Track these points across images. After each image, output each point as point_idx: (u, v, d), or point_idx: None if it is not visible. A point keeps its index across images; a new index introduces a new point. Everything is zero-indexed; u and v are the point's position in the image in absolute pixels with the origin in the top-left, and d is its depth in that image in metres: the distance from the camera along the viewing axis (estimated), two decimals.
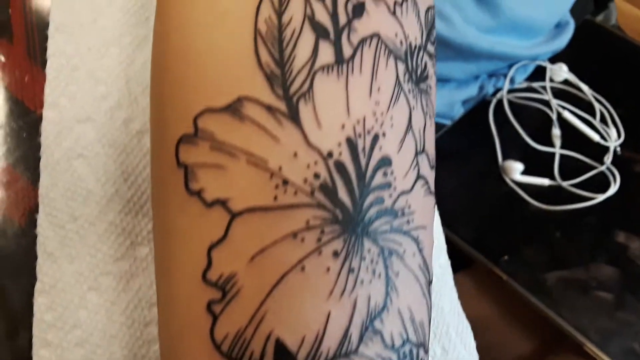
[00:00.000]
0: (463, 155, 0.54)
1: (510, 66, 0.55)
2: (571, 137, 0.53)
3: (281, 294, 0.15)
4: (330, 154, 0.16)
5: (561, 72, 0.58)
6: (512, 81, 0.56)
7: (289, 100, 0.16)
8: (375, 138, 0.17)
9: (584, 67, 0.59)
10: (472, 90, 0.55)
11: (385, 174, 0.17)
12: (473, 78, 0.55)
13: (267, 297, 0.15)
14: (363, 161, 0.16)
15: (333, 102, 0.16)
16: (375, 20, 0.17)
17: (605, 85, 0.58)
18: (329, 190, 0.15)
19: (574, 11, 0.58)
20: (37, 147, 0.21)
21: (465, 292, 0.50)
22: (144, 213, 0.21)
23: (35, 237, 0.20)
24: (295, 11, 0.16)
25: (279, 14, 0.16)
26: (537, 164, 0.52)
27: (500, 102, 0.55)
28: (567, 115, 0.54)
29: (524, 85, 0.58)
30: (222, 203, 0.15)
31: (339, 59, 0.16)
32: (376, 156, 0.16)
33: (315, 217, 0.15)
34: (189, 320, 0.15)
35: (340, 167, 0.16)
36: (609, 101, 0.56)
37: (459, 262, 0.51)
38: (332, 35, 0.16)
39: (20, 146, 0.21)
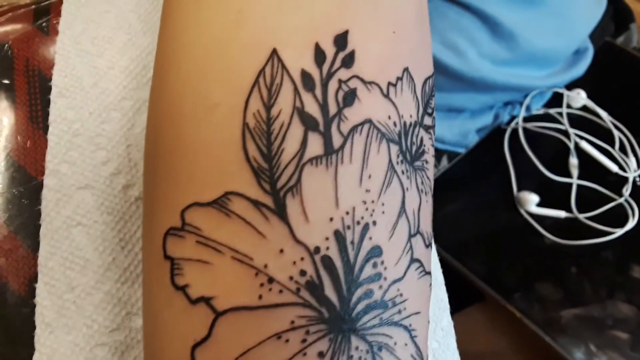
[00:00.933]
0: (477, 184, 0.53)
1: (526, 94, 0.54)
2: (589, 166, 0.52)
3: None
4: (317, 250, 0.15)
5: (579, 98, 0.56)
6: (528, 109, 0.55)
7: (276, 194, 0.15)
8: (365, 228, 0.16)
9: (603, 92, 0.58)
10: (486, 119, 0.54)
11: (375, 265, 0.16)
12: (488, 107, 0.54)
13: None
14: (352, 254, 0.16)
15: (321, 195, 0.16)
16: (367, 106, 0.17)
17: (625, 112, 0.56)
18: (315, 288, 0.15)
19: (593, 35, 0.57)
20: (38, 214, 0.22)
21: (477, 327, 0.49)
22: (140, 283, 0.21)
23: (34, 306, 0.21)
24: (284, 104, 0.16)
25: (268, 107, 0.16)
26: (553, 195, 0.51)
27: (515, 131, 0.54)
28: (584, 144, 0.52)
29: (541, 112, 0.56)
30: (207, 300, 0.15)
31: (329, 150, 0.16)
32: (366, 247, 0.16)
33: (301, 316, 0.15)
34: None
35: (327, 262, 0.16)
36: (628, 129, 0.55)
37: (470, 295, 0.51)
38: (321, 127, 0.16)
39: (22, 213, 0.22)
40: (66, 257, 0.21)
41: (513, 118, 0.56)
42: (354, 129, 0.17)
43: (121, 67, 0.24)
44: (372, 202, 0.17)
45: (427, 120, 0.20)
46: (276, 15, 0.17)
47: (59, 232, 0.21)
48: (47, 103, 0.23)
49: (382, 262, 0.16)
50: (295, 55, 0.16)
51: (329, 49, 0.17)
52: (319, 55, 0.17)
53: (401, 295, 0.17)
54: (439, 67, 0.47)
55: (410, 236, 0.18)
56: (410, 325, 0.17)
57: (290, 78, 0.16)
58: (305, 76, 0.16)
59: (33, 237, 0.21)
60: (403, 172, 0.18)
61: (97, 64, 0.24)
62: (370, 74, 0.17)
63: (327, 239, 0.15)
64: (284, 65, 0.16)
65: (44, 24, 0.25)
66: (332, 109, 0.16)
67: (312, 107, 0.16)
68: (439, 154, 0.53)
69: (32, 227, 0.22)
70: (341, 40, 0.17)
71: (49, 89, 0.23)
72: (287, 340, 0.15)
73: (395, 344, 0.16)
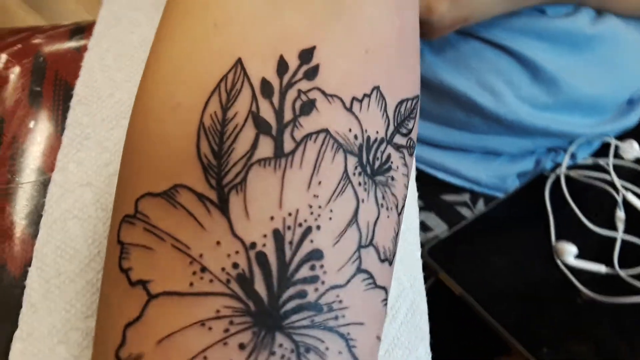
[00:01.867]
0: (513, 231, 0.51)
1: (571, 141, 0.52)
2: (635, 221, 0.49)
3: None
4: (253, 245, 0.16)
5: (631, 150, 0.53)
6: (573, 156, 0.53)
7: (221, 190, 0.16)
8: (308, 231, 0.17)
9: None
10: (527, 165, 0.52)
11: (313, 267, 0.16)
12: (528, 152, 0.52)
13: None
14: (288, 253, 0.16)
15: (265, 194, 0.16)
16: (325, 116, 0.17)
17: None
18: (245, 281, 0.16)
19: None
20: (43, 206, 0.24)
21: None
22: None
23: (24, 287, 0.22)
24: (240, 107, 0.17)
25: (225, 109, 0.17)
26: (593, 248, 0.48)
27: (559, 178, 0.52)
28: (631, 198, 0.49)
29: (588, 161, 0.54)
30: (144, 284, 0.16)
31: (279, 153, 0.17)
32: (305, 249, 0.16)
33: (227, 306, 0.15)
34: None
35: (261, 258, 0.16)
36: None
37: (496, 346, 0.48)
38: (274, 131, 0.17)
39: (30, 204, 0.24)
40: (59, 245, 0.23)
41: (558, 166, 0.53)
42: (308, 136, 0.17)
43: (136, 81, 0.26)
44: (319, 207, 0.17)
45: (399, 140, 0.20)
46: (248, 28, 0.18)
47: (57, 222, 0.23)
48: (67, 109, 0.26)
49: (322, 266, 0.16)
50: (258, 65, 0.17)
51: (293, 62, 0.18)
52: (282, 66, 0.18)
53: (340, 302, 0.17)
54: (474, 108, 0.47)
55: (360, 246, 0.18)
56: (348, 334, 0.17)
57: (250, 85, 0.17)
58: (265, 84, 0.17)
59: (35, 226, 0.24)
60: (360, 184, 0.18)
61: (115, 77, 0.26)
62: (333, 87, 0.18)
63: (264, 236, 0.16)
64: (246, 73, 0.17)
65: (77, 42, 0.28)
66: (288, 116, 0.17)
67: (267, 113, 0.17)
68: (475, 196, 0.52)
69: (36, 216, 0.24)
70: (306, 54, 0.18)
71: (71, 97, 0.26)
72: (210, 328, 0.15)
73: (327, 349, 0.16)
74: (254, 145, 0.17)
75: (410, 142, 0.22)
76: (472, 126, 0.48)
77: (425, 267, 0.47)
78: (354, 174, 0.18)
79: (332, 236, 0.17)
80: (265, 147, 0.17)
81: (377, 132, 0.19)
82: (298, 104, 0.17)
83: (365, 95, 0.19)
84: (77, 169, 0.24)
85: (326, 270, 0.17)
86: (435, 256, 0.47)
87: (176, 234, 0.16)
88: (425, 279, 0.47)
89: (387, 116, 0.20)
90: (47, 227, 0.23)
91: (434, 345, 0.45)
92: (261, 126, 0.17)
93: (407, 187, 0.22)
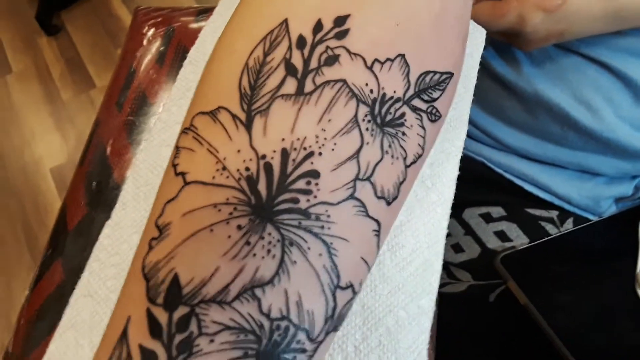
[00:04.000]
0: (596, 256, 0.48)
1: None
2: None
3: (191, 243, 0.20)
4: (264, 157, 0.20)
5: None
6: None
7: (249, 113, 0.21)
8: (310, 154, 0.20)
9: None
10: (625, 189, 0.49)
11: (308, 183, 0.20)
12: (628, 176, 0.49)
13: (181, 243, 0.20)
14: (290, 168, 0.20)
15: (281, 121, 0.21)
16: (345, 70, 0.22)
17: None
18: (251, 181, 0.20)
19: None
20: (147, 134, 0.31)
21: None
22: None
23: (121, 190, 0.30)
24: (277, 54, 0.22)
25: (266, 54, 0.22)
26: None
27: None
28: None
29: None
30: (183, 175, 0.21)
31: (299, 92, 0.21)
32: (305, 167, 0.20)
33: (234, 197, 0.20)
34: (139, 247, 0.22)
35: (267, 167, 0.20)
36: None
37: None
38: (299, 75, 0.21)
39: (139, 132, 0.31)
40: (152, 163, 0.30)
41: None
42: (326, 82, 0.21)
43: None
44: (325, 139, 0.21)
45: (419, 103, 0.24)
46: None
47: (155, 148, 0.30)
48: (180, 67, 0.33)
49: (317, 184, 0.20)
50: (299, 24, 0.22)
51: (328, 24, 0.22)
52: (317, 26, 0.22)
53: (328, 216, 0.20)
54: (568, 121, 0.46)
55: (357, 179, 0.21)
56: (331, 243, 0.20)
57: (289, 38, 0.22)
58: (300, 39, 0.22)
59: (138, 147, 0.31)
60: (367, 130, 0.22)
61: None
62: (357, 48, 0.22)
63: (274, 151, 0.20)
64: (288, 30, 0.22)
65: (200, 19, 0.35)
66: (313, 64, 0.21)
67: (297, 60, 0.21)
68: (564, 214, 0.50)
69: (141, 142, 0.31)
70: (341, 20, 0.22)
71: (185, 58, 0.33)
72: (219, 210, 0.20)
73: (309, 248, 0.20)
74: (281, 84, 0.21)
75: (433, 109, 0.25)
76: (567, 141, 0.47)
77: (496, 275, 0.47)
78: (363, 120, 0.22)
79: (331, 163, 0.21)
80: (290, 86, 0.21)
81: (395, 92, 0.22)
82: (324, 57, 0.22)
83: (388, 59, 0.22)
84: (178, 112, 0.31)
85: (320, 188, 0.20)
86: (507, 264, 0.47)
87: (211, 141, 0.21)
88: (495, 286, 0.47)
89: (409, 81, 0.23)
90: (147, 150, 0.30)
91: (491, 351, 0.45)
92: (290, 70, 0.21)
93: (422, 147, 0.24)
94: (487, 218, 0.50)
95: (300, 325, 0.20)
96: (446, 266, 0.51)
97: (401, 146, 0.23)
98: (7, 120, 1.55)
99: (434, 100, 0.24)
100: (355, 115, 0.21)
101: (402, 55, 0.23)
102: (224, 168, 0.20)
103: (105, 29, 1.73)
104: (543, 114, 0.48)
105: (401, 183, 0.23)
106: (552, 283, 0.46)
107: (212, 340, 0.19)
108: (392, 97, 0.22)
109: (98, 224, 0.29)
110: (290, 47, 0.22)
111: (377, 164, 0.22)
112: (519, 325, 0.46)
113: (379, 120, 0.22)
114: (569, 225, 0.50)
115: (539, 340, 0.45)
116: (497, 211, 0.50)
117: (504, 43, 0.47)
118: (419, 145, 0.24)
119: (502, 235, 0.50)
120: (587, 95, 0.45)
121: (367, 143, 0.22)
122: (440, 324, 0.48)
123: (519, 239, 0.50)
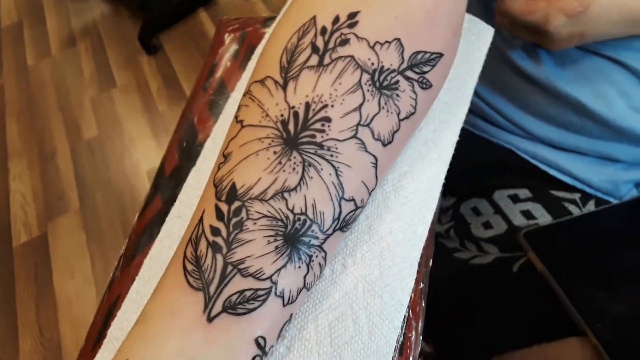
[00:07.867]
0: (614, 235, 0.52)
1: None
2: None
3: (244, 163, 0.25)
4: (293, 107, 0.25)
5: None
6: None
7: (286, 79, 0.26)
8: (325, 106, 0.25)
9: None
10: None
11: (323, 125, 0.25)
12: None
13: (238, 164, 0.26)
14: (310, 113, 0.25)
15: (307, 84, 0.26)
16: (354, 49, 0.28)
17: None
18: (284, 123, 0.25)
19: None
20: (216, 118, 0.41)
21: None
22: None
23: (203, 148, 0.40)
24: (306, 39, 0.28)
25: (299, 39, 0.29)
26: None
27: None
28: None
29: None
30: (241, 122, 0.27)
31: (320, 64, 0.28)
32: (320, 114, 0.25)
33: (273, 133, 0.25)
34: (212, 170, 0.30)
35: (295, 114, 0.25)
36: None
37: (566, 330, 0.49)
38: (320, 52, 0.29)
39: (217, 111, 0.42)
40: (224, 131, 0.40)
41: None
42: (339, 57, 0.28)
43: None
44: (336, 96, 0.26)
45: (411, 74, 0.30)
46: (322, 1, 0.31)
47: (228, 120, 0.40)
48: (249, 60, 0.43)
49: (329, 126, 0.25)
50: (323, 19, 0.28)
51: (343, 18, 0.27)
52: (336, 20, 0.28)
53: (336, 148, 0.25)
54: (586, 112, 0.50)
55: (359, 125, 0.27)
56: (338, 167, 0.25)
57: (315, 29, 0.30)
58: (323, 28, 0.28)
59: (216, 118, 0.41)
60: (368, 91, 0.27)
61: None
62: (364, 33, 0.27)
63: (300, 104, 0.25)
64: (315, 23, 0.29)
65: (266, 25, 0.46)
66: (331, 45, 0.28)
67: (320, 43, 0.29)
68: (586, 197, 0.54)
69: (218, 117, 0.42)
70: (353, 14, 0.28)
71: (252, 53, 0.43)
72: (262, 141, 0.25)
73: (322, 169, 0.25)
74: (308, 59, 0.26)
75: (424, 79, 0.30)
76: (586, 130, 0.51)
77: (519, 247, 0.52)
78: (366, 84, 0.27)
79: (340, 113, 0.26)
80: (313, 60, 0.26)
81: (391, 65, 0.28)
82: (338, 40, 0.27)
83: (387, 41, 0.28)
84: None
85: (331, 129, 0.25)
86: (529, 238, 0.52)
87: (259, 98, 0.27)
88: (518, 258, 0.52)
89: (403, 57, 0.29)
90: (222, 119, 0.40)
91: (513, 317, 0.49)
92: (314, 49, 0.28)
93: (415, 107, 0.30)
94: (515, 199, 0.55)
95: (314, 220, 0.25)
96: (476, 241, 0.56)
97: (395, 104, 0.28)
98: (111, 128, 1.73)
99: (425, 72, 0.31)
100: (360, 80, 0.26)
101: (398, 39, 0.27)
102: (267, 115, 0.27)
103: (198, 49, 1.91)
104: (563, 106, 0.52)
105: (395, 132, 0.28)
106: (568, 256, 0.50)
107: (255, 223, 0.24)
108: (388, 69, 0.27)
109: (186, 170, 0.40)
110: (315, 34, 0.29)
111: (375, 115, 0.27)
112: (538, 293, 0.51)
113: (377, 85, 0.27)
114: (590, 207, 0.54)
115: (556, 308, 0.49)
116: (523, 193, 0.54)
117: (533, 45, 0.52)
118: (411, 105, 0.30)
119: (527, 214, 0.54)
120: (603, 89, 0.49)
121: (368, 100, 0.26)
122: (469, 293, 0.53)
123: (543, 218, 0.53)
